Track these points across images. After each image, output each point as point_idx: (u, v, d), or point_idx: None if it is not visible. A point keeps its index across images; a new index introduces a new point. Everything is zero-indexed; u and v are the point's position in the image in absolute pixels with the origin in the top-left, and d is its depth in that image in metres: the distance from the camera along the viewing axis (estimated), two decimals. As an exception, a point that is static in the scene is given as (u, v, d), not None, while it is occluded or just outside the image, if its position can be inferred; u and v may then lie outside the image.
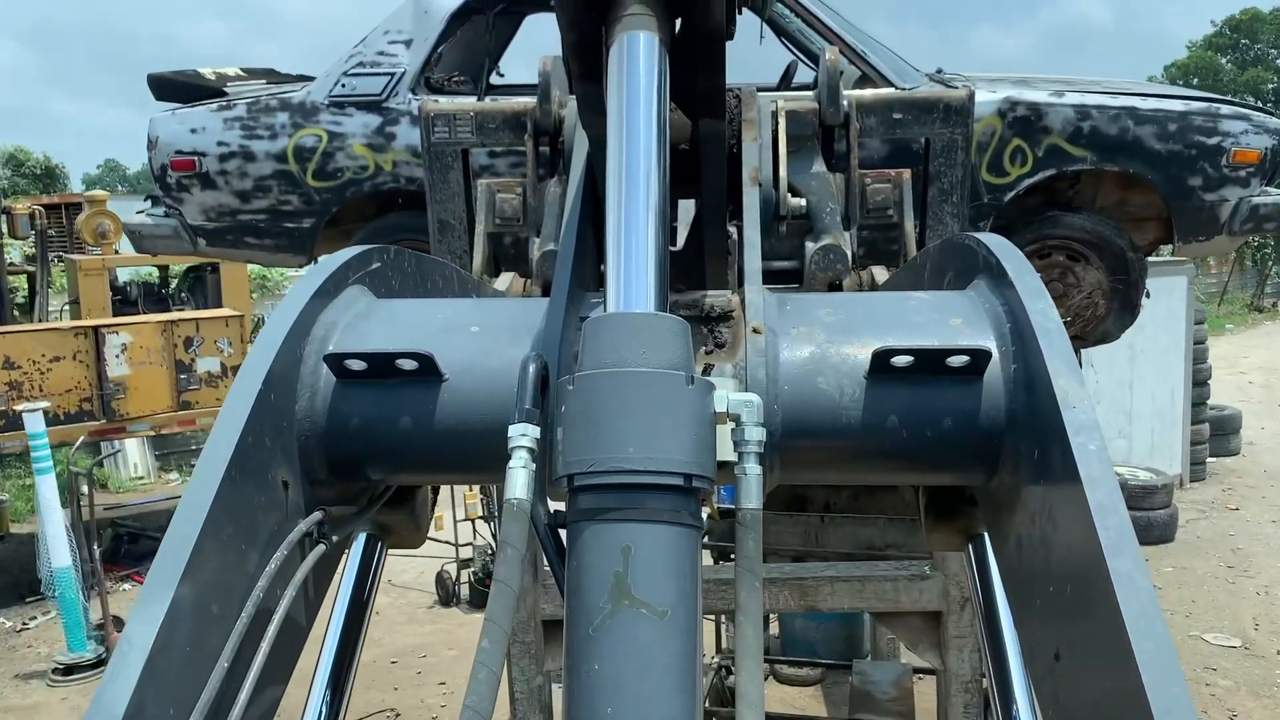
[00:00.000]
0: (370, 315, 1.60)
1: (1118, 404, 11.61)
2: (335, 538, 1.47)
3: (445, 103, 4.42)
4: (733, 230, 2.23)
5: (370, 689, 7.96)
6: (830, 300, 1.68)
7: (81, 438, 9.82)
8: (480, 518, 9.66)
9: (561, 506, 1.29)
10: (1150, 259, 5.82)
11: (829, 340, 1.50)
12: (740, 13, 1.84)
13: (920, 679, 6.30)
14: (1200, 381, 12.53)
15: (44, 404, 8.82)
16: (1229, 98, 5.53)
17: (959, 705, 4.85)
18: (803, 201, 3.04)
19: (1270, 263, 31.29)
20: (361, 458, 1.52)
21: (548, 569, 3.92)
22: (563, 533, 1.28)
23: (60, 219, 13.40)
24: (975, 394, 1.41)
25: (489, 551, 9.49)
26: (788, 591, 4.92)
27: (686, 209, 2.28)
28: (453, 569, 9.99)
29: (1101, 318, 5.18)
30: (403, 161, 5.30)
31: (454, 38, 5.63)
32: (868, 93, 3.98)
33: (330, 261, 1.62)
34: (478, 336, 1.56)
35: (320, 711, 1.75)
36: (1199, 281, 28.22)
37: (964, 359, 1.39)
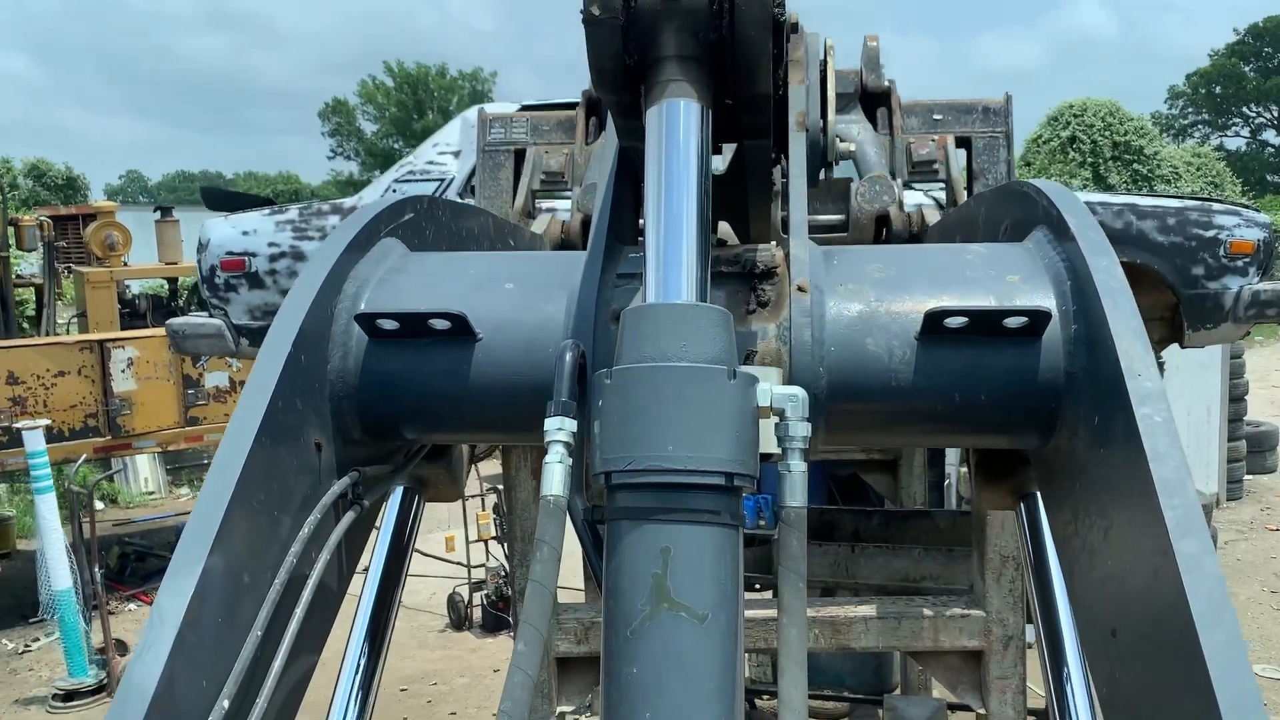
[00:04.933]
0: (403, 270, 1.56)
1: (1153, 420, 11.28)
2: (369, 500, 1.46)
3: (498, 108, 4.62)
4: (777, 175, 2.10)
5: (377, 717, 7.67)
6: (880, 254, 1.60)
7: (84, 455, 9.59)
8: (493, 538, 9.38)
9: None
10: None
11: (878, 298, 1.44)
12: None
13: (953, 716, 5.98)
14: (1237, 397, 12.15)
15: (44, 422, 8.60)
16: (1219, 198, 6.51)
17: (1002, 751, 4.54)
18: (851, 146, 2.85)
19: (1295, 273, 30.88)
20: (396, 417, 1.51)
21: (562, 604, 3.79)
22: (601, 528, 1.26)
23: (76, 230, 13.24)
24: (1033, 355, 1.36)
25: (502, 573, 9.19)
26: (818, 629, 4.56)
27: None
28: (465, 591, 9.69)
29: None
30: None
31: None
32: (908, 101, 4.01)
33: (362, 214, 1.57)
34: (512, 293, 1.53)
35: (359, 663, 1.78)
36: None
37: (1022, 320, 1.33)
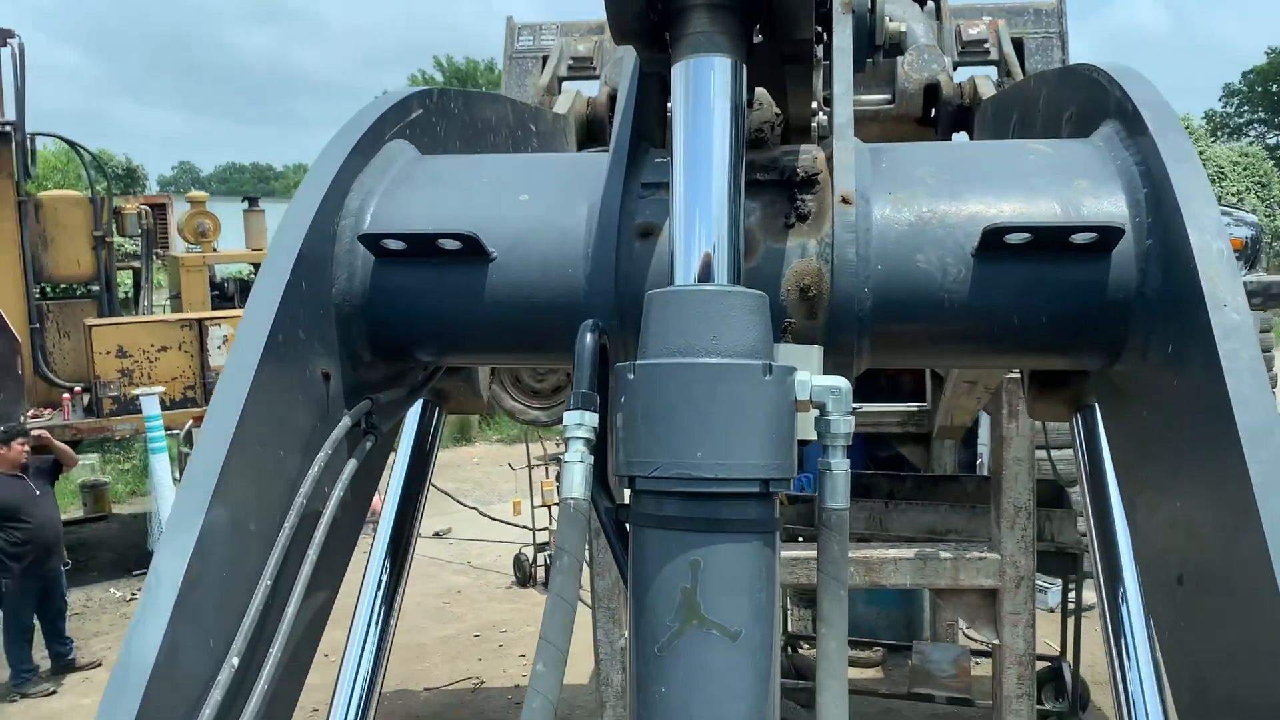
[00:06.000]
0: (411, 178, 1.45)
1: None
2: (385, 427, 1.38)
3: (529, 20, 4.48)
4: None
5: (456, 659, 8.52)
6: (933, 154, 1.48)
7: (188, 423, 10.53)
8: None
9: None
10: None
11: (931, 209, 1.31)
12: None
13: (977, 662, 6.64)
14: (1265, 389, 12.59)
15: (159, 389, 9.53)
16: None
17: (1013, 678, 5.23)
18: (902, 26, 2.67)
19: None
20: (409, 339, 1.43)
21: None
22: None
23: (162, 218, 14.21)
24: (1102, 272, 1.23)
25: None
26: (854, 568, 5.35)
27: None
28: (529, 552, 10.54)
29: None
30: None
31: None
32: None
33: (365, 114, 1.45)
34: (528, 205, 1.41)
35: (379, 582, 1.70)
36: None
37: (1091, 236, 1.21)
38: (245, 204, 14.32)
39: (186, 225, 13.32)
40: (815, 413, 1.16)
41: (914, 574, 5.24)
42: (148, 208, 13.10)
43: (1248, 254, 5.90)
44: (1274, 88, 70.93)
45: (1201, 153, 25.28)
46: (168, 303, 13.89)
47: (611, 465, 1.16)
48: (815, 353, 1.24)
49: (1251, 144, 65.58)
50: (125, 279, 13.95)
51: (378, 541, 1.78)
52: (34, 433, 8.44)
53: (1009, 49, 3.31)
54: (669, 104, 1.30)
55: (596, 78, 3.49)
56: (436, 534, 11.89)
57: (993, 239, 1.24)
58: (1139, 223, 1.23)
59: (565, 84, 3.79)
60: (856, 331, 1.29)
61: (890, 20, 2.33)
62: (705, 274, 1.21)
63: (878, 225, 1.32)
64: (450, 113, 1.67)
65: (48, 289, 12.00)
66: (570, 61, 3.58)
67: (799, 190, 1.40)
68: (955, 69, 3.18)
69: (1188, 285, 1.10)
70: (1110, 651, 1.54)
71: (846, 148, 1.39)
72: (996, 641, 5.25)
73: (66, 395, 10.58)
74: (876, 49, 1.99)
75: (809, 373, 1.15)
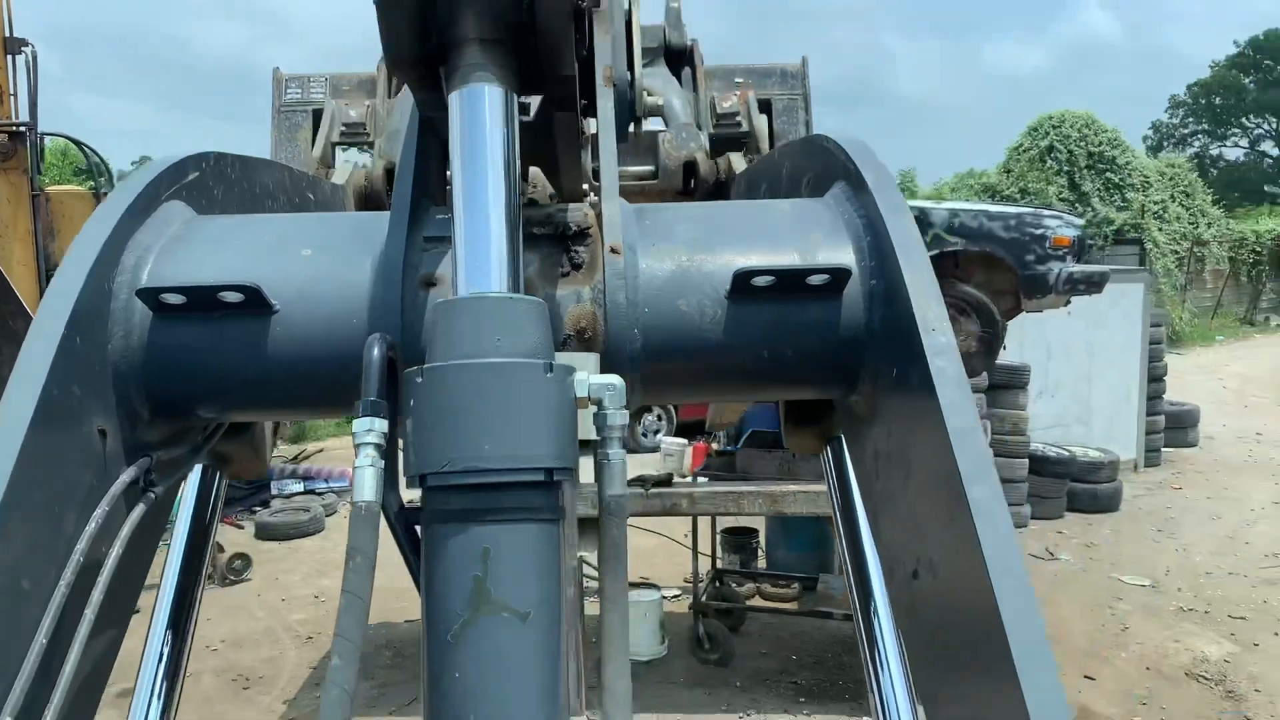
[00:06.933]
0: (189, 236, 1.44)
1: (1076, 395, 13.19)
2: (163, 486, 1.36)
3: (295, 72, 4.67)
4: (588, 125, 2.00)
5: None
6: (690, 212, 1.60)
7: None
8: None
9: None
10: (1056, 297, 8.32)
11: (689, 258, 1.44)
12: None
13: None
14: (1156, 378, 14.08)
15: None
16: (1046, 204, 8.76)
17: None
18: (660, 100, 3.05)
19: (1265, 279, 32.65)
20: (188, 397, 1.40)
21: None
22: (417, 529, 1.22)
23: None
24: (835, 311, 1.37)
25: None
26: (761, 500, 6.67)
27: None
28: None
29: (973, 356, 7.81)
30: None
31: None
32: (710, 65, 4.15)
33: (139, 175, 1.45)
34: (311, 260, 1.42)
35: (161, 655, 1.63)
36: (1193, 295, 29.74)
37: (824, 278, 1.35)
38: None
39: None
40: (593, 409, 1.24)
41: (808, 504, 6.58)
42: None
43: (1075, 249, 7.31)
44: (1217, 100, 73.28)
45: (1128, 163, 26.96)
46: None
47: (403, 471, 1.18)
48: (593, 358, 1.40)
49: (1196, 155, 67.72)
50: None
51: (157, 615, 1.67)
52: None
53: (759, 122, 3.64)
54: (448, 170, 1.36)
55: (370, 143, 3.64)
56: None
57: (741, 282, 1.37)
58: (864, 266, 1.38)
59: (338, 148, 3.88)
60: (629, 370, 1.36)
61: (649, 94, 2.58)
62: (486, 284, 1.27)
63: (644, 274, 1.44)
64: (227, 177, 1.69)
65: (52, 275, 13.01)
66: (343, 128, 3.62)
67: (572, 242, 1.51)
68: (711, 139, 3.57)
69: (905, 316, 1.23)
70: (865, 661, 1.63)
71: (613, 205, 1.51)
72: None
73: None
74: (638, 120, 2.31)
75: (587, 373, 1.23)
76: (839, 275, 1.34)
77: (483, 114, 1.31)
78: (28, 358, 1.13)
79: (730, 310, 1.38)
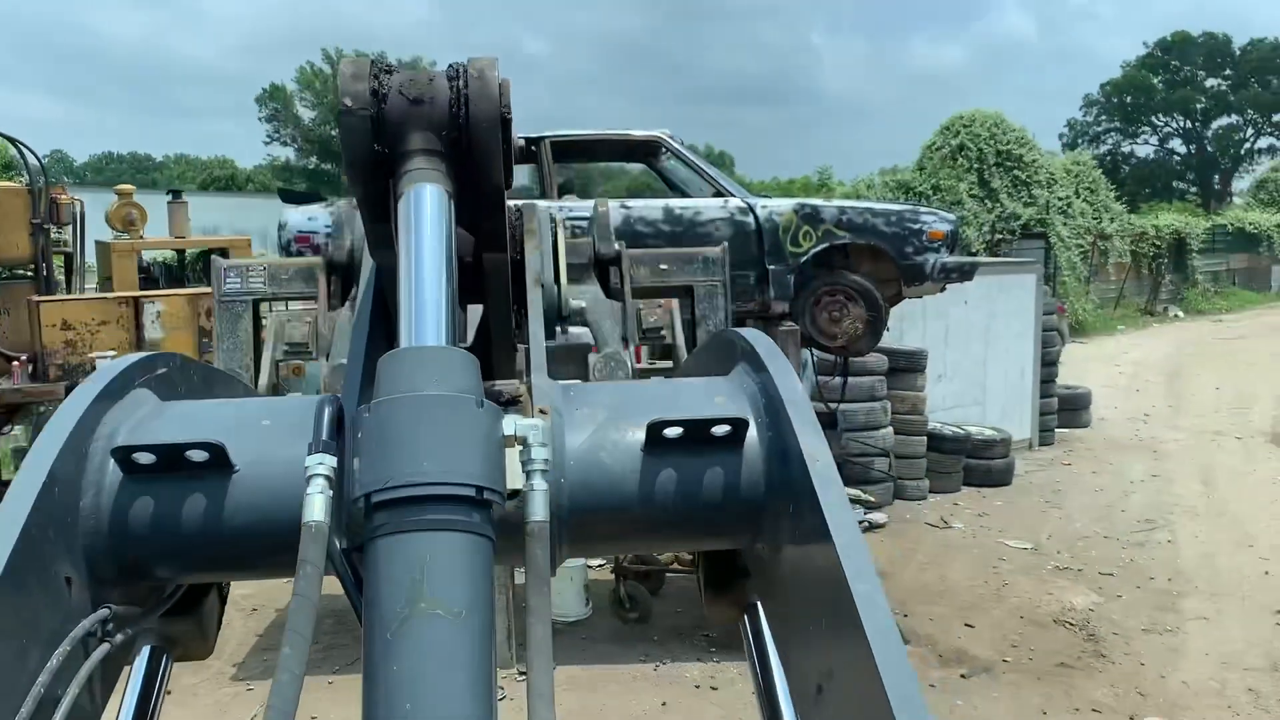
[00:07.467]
0: (159, 415, 1.53)
1: (973, 379, 14.13)
2: (120, 637, 1.39)
3: (234, 259, 4.86)
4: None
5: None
6: (610, 387, 1.76)
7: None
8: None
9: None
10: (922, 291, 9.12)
11: (610, 420, 1.55)
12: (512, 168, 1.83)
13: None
14: (1049, 363, 15.12)
15: (112, 351, 11.07)
16: (922, 204, 9.21)
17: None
18: (583, 303, 3.29)
19: (1164, 271, 34.37)
20: (148, 556, 1.44)
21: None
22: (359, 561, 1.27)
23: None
24: (737, 461, 1.47)
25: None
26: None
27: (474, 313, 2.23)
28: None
29: (860, 337, 8.68)
30: None
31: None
32: (637, 251, 4.37)
33: (114, 365, 1.56)
34: (270, 430, 1.49)
35: None
36: (1096, 286, 31.24)
37: (726, 428, 1.46)
38: (170, 196, 15.73)
39: (115, 215, 14.69)
40: (519, 447, 1.33)
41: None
42: (81, 200, 14.44)
43: (949, 242, 8.23)
44: (1128, 99, 75.84)
45: (1034, 161, 28.25)
46: (96, 285, 15.23)
47: (347, 501, 1.26)
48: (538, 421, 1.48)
49: (1109, 152, 69.94)
50: (57, 262, 15.26)
51: None
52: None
53: (680, 338, 3.85)
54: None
55: (314, 360, 3.78)
56: None
57: (654, 435, 1.46)
58: (761, 421, 1.49)
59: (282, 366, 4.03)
60: (557, 522, 1.43)
61: (572, 300, 3.10)
62: (425, 339, 1.42)
63: (569, 434, 1.52)
64: (191, 379, 1.78)
65: (-11, 269, 13.31)
66: (286, 346, 3.76)
67: (505, 408, 1.57)
68: (638, 351, 3.82)
69: (797, 460, 1.34)
70: None
71: (543, 377, 1.65)
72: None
73: (16, 363, 11.97)
74: (564, 319, 2.65)
75: (513, 417, 1.35)
76: (738, 425, 1.46)
77: (425, 204, 1.51)
78: (10, 503, 1.21)
79: (645, 463, 1.48)
